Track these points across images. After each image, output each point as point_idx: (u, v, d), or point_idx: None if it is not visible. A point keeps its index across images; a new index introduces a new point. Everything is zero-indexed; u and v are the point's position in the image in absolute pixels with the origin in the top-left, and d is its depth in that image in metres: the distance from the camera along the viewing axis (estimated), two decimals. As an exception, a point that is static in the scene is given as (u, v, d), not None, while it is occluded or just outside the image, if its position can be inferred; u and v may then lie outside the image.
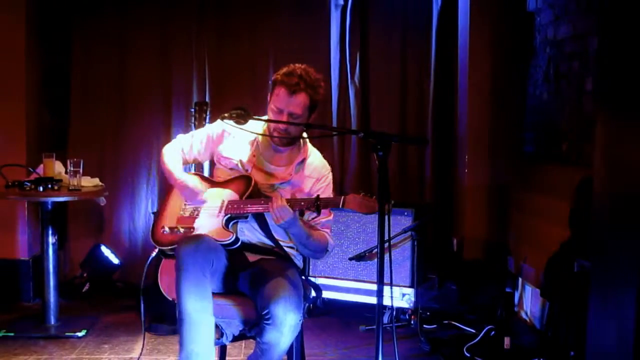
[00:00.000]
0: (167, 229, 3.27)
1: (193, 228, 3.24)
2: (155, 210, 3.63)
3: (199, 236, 3.10)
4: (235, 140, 3.40)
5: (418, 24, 5.81)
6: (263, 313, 2.99)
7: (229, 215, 3.22)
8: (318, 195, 3.08)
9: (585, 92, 4.21)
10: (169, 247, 3.24)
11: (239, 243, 3.20)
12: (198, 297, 2.99)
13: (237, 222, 3.27)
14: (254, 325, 3.12)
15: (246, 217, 3.26)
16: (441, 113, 5.80)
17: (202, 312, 3.00)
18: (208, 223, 3.24)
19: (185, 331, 3.01)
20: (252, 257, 3.32)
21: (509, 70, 5.32)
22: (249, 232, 3.33)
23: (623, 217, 2.41)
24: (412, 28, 5.82)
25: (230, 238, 3.17)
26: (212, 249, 3.09)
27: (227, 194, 3.29)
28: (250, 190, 3.24)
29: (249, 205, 3.19)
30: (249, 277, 3.23)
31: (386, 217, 2.63)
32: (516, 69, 5.28)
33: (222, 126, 3.43)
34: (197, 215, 3.29)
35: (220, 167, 3.44)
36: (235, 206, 3.21)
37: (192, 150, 3.49)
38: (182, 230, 3.25)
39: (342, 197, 3.03)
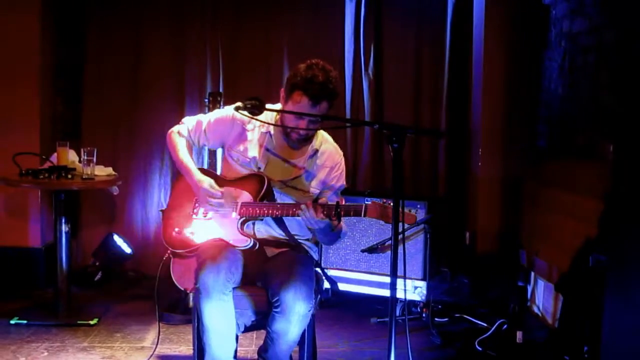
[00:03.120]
0: (178, 230, 3.27)
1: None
2: (163, 208, 3.54)
3: (218, 257, 3.05)
4: (248, 133, 3.33)
5: (433, 16, 5.79)
6: (273, 300, 3.02)
7: (243, 218, 3.20)
8: (338, 202, 3.04)
9: (600, 85, 4.17)
10: (182, 251, 3.26)
11: (257, 245, 3.20)
12: (221, 317, 3.06)
13: (253, 223, 3.27)
14: (265, 315, 3.13)
15: (261, 219, 3.25)
16: (455, 106, 5.79)
17: (225, 328, 3.08)
18: (222, 226, 3.23)
19: (209, 346, 3.11)
20: (269, 251, 3.31)
21: (524, 63, 5.29)
22: (264, 229, 3.31)
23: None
24: (426, 20, 5.81)
25: (249, 243, 3.17)
26: (232, 264, 3.08)
27: (239, 195, 3.24)
28: (264, 190, 3.20)
29: (264, 209, 3.15)
30: (265, 269, 3.23)
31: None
32: (531, 62, 5.25)
33: (233, 113, 3.32)
34: (211, 216, 3.27)
35: (231, 161, 3.37)
36: (250, 209, 3.17)
37: (200, 134, 3.39)
38: (195, 233, 3.25)
39: (364, 205, 3.01)
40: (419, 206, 4.82)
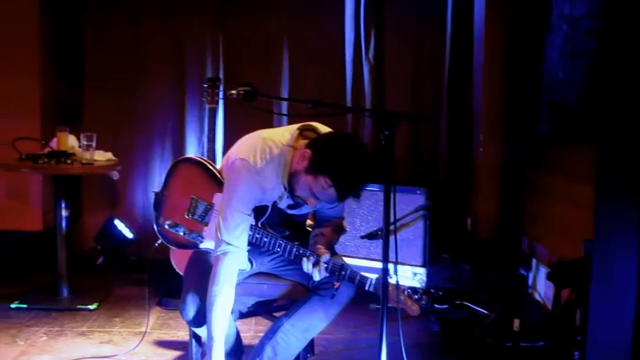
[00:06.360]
0: (171, 224, 3.18)
1: (202, 237, 3.15)
2: (158, 190, 3.37)
3: (196, 285, 2.93)
4: (271, 192, 3.02)
5: (434, 1, 5.74)
6: (324, 280, 3.02)
7: None
8: (343, 265, 3.04)
9: (600, 70, 4.13)
10: (173, 247, 3.23)
11: (253, 265, 3.12)
12: None
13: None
14: (265, 303, 3.14)
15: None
16: (456, 90, 5.75)
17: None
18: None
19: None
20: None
21: (525, 47, 5.25)
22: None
23: (627, 199, 2.38)
24: (427, 5, 5.77)
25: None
26: None
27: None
28: (268, 212, 3.04)
29: (265, 239, 3.03)
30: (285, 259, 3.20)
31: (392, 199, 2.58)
32: (532, 47, 5.21)
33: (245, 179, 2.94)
34: (208, 220, 3.15)
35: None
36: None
37: (248, 226, 2.97)
38: (189, 235, 3.17)
39: (369, 280, 3.09)
40: (418, 192, 4.81)
